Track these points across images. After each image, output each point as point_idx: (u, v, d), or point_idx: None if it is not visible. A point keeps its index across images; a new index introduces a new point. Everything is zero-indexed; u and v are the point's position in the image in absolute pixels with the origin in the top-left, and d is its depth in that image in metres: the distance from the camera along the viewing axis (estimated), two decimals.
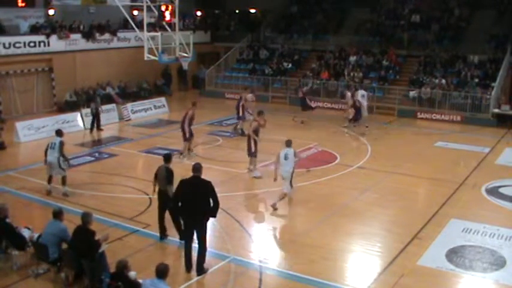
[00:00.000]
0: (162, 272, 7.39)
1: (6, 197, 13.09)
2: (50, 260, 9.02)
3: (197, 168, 9.30)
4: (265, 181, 14.91)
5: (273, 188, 14.23)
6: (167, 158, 10.77)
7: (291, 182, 12.87)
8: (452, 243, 10.85)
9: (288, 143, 13.08)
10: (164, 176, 10.50)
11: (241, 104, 20.18)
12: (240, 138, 19.92)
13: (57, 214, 9.24)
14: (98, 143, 19.51)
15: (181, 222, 9.95)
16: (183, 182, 9.35)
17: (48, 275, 9.25)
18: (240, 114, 20.22)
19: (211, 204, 9.22)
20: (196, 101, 18.36)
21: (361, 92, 22.02)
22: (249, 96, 20.48)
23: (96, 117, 21.03)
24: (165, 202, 10.47)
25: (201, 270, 9.40)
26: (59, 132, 13.97)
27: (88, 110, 21.38)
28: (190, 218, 9.31)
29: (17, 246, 9.55)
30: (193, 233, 9.38)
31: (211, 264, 9.69)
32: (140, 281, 8.18)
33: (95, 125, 21.03)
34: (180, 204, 9.39)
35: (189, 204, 9.20)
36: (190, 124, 16.89)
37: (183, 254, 9.62)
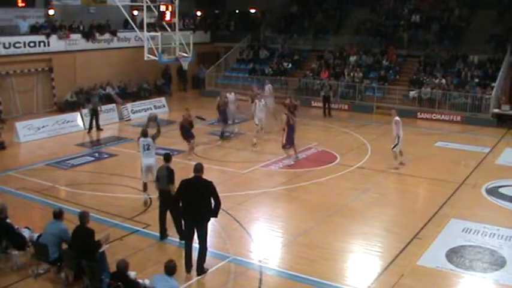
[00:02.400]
0: (172, 269, 7.55)
1: (6, 197, 13.10)
2: (50, 260, 9.02)
3: (198, 168, 9.29)
4: (265, 181, 14.93)
5: (273, 188, 14.26)
6: (167, 157, 10.82)
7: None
8: (452, 243, 10.84)
9: (396, 113, 16.07)
10: (165, 175, 10.53)
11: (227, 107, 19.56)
12: (239, 138, 19.93)
13: (58, 214, 9.24)
14: (97, 143, 19.47)
15: (182, 222, 9.95)
16: (184, 182, 9.35)
17: (48, 275, 9.26)
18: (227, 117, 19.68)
19: (213, 204, 9.23)
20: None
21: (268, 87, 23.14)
22: (231, 96, 20.16)
23: (95, 117, 20.92)
24: (167, 202, 10.49)
25: (201, 271, 9.40)
26: (145, 133, 12.85)
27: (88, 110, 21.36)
28: (191, 218, 9.29)
29: (17, 246, 9.55)
30: (193, 233, 9.38)
31: (211, 264, 9.69)
32: (140, 281, 8.19)
33: (94, 125, 20.88)
34: (181, 204, 9.40)
35: (190, 204, 9.19)
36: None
37: (183, 254, 9.62)
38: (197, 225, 9.30)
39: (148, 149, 12.62)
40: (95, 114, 20.90)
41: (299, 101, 19.56)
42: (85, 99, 23.58)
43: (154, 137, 12.86)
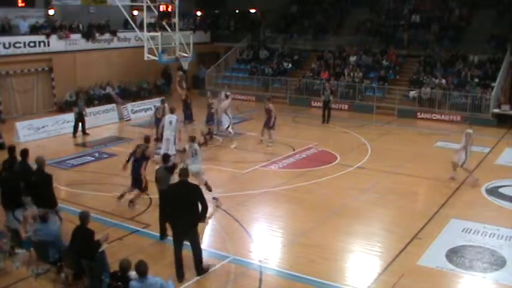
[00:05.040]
0: (144, 270, 7.37)
1: None
2: (51, 260, 9.02)
3: (185, 172, 9.15)
4: (265, 181, 14.93)
5: (273, 188, 14.25)
6: (165, 158, 10.95)
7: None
8: (452, 243, 10.85)
9: (469, 125, 15.80)
10: (164, 174, 10.59)
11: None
12: (240, 138, 19.92)
13: (44, 218, 9.25)
14: (83, 146, 19.08)
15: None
16: (170, 187, 9.19)
17: (48, 275, 9.24)
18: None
19: (200, 209, 9.02)
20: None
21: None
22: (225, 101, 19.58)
23: (81, 121, 20.17)
24: None
25: (201, 270, 9.34)
26: (172, 110, 16.42)
27: (88, 110, 21.23)
28: (180, 223, 9.00)
29: None
30: (183, 239, 9.14)
31: (211, 265, 9.68)
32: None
33: (80, 129, 20.19)
34: (168, 209, 9.16)
35: (178, 209, 8.93)
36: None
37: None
38: (186, 230, 9.03)
39: (171, 124, 15.59)
40: (80, 118, 20.17)
41: (271, 105, 18.97)
42: (73, 102, 22.60)
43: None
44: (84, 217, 8.80)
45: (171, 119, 15.90)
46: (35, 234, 9.20)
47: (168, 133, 15.87)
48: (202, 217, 9.18)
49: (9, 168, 10.83)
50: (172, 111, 16.50)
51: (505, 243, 10.92)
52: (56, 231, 9.15)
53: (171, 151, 15.20)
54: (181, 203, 8.92)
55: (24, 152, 11.06)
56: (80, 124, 20.28)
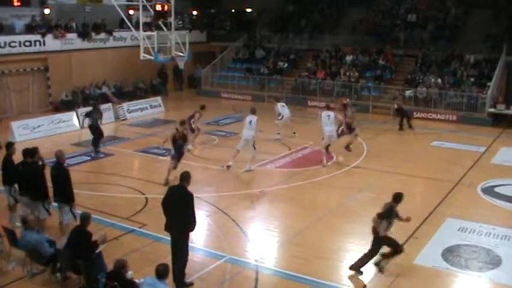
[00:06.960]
0: (162, 273, 7.39)
1: (3, 197, 13.02)
2: (44, 262, 9.00)
3: (184, 177, 8.82)
4: (261, 181, 14.92)
5: (269, 188, 14.25)
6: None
7: None
8: (448, 243, 10.88)
9: None
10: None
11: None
12: (235, 138, 19.90)
13: (25, 223, 9.23)
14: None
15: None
16: (170, 188, 9.05)
17: (44, 275, 9.22)
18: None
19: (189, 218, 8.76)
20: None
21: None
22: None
23: (97, 134, 17.68)
24: None
25: (181, 283, 8.86)
26: (254, 111, 15.83)
27: (83, 109, 21.04)
28: (171, 226, 8.87)
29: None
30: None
31: (207, 264, 9.67)
32: (136, 280, 8.17)
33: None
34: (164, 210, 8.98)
35: (171, 212, 8.81)
36: None
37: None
38: (175, 235, 8.90)
39: (250, 123, 15.22)
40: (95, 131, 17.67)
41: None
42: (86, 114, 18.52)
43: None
44: (84, 218, 8.75)
45: (251, 119, 15.35)
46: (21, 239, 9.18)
47: (248, 133, 15.39)
48: (191, 228, 8.84)
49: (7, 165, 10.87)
50: (253, 111, 15.72)
51: (500, 242, 10.95)
52: (36, 239, 9.01)
53: (252, 152, 15.54)
54: (173, 207, 8.76)
55: (26, 152, 10.79)
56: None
